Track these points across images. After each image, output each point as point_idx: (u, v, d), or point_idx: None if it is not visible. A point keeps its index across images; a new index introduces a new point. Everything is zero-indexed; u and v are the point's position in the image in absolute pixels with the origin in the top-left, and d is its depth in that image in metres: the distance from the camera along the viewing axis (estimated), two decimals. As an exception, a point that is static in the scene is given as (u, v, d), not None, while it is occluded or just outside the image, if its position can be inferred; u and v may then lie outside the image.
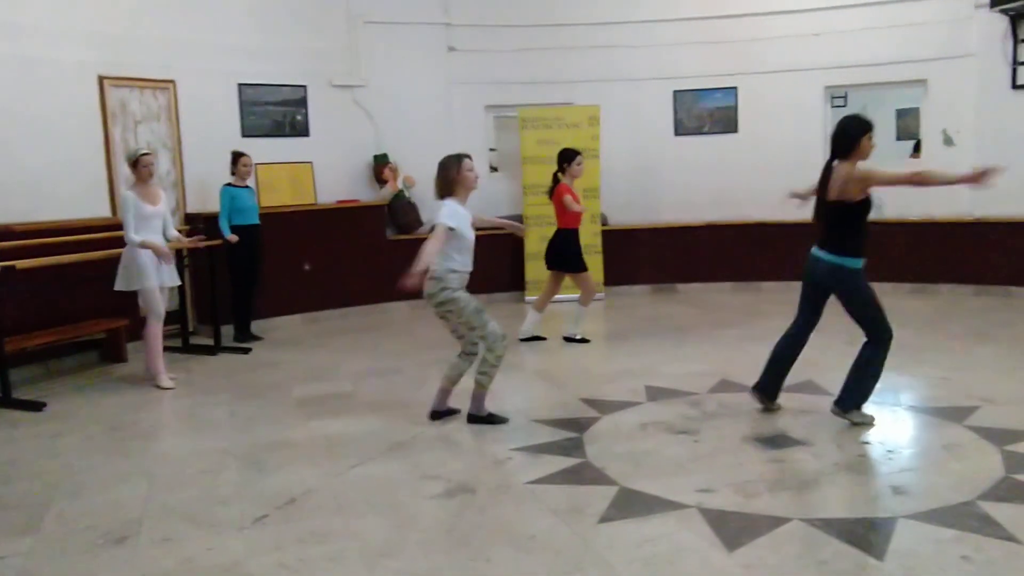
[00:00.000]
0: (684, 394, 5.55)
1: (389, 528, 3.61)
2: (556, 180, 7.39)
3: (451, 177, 4.96)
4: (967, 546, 3.24)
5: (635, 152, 10.29)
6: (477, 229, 5.14)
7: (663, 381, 5.88)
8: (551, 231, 9.70)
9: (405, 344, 7.69)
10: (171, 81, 8.09)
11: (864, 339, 4.93)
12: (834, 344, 6.91)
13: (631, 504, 3.76)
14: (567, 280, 7.54)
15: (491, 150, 10.87)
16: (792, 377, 5.79)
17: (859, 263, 4.73)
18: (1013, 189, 8.97)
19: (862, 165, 4.61)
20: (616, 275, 9.93)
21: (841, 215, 4.65)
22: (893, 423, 4.95)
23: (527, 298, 9.72)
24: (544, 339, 7.51)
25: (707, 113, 10.29)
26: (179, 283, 6.75)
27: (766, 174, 10.00)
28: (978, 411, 4.95)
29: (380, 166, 9.59)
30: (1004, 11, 8.65)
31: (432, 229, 4.80)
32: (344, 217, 9.20)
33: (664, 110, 10.37)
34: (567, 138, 9.51)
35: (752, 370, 6.04)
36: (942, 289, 9.18)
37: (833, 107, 11.74)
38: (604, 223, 9.96)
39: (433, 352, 7.24)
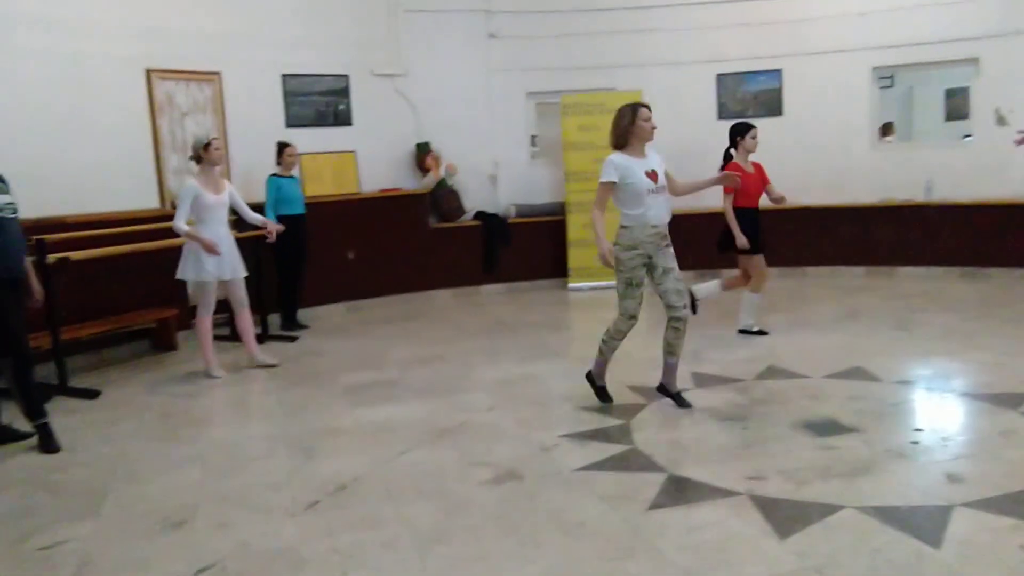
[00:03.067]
0: (732, 381, 5.50)
1: (439, 514, 3.64)
2: (728, 157, 6.88)
3: (624, 127, 4.88)
4: (1025, 535, 3.18)
5: (678, 137, 10.11)
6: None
7: (711, 368, 5.84)
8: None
9: (449, 332, 7.73)
10: (216, 73, 8.19)
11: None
12: (881, 330, 6.85)
13: (681, 491, 3.75)
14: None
15: (532, 137, 10.85)
16: (840, 363, 5.76)
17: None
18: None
19: None
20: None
21: None
22: (946, 409, 4.86)
23: (570, 285, 9.71)
24: (766, 334, 6.84)
25: (751, 96, 10.14)
26: (245, 274, 6.45)
27: (812, 158, 9.88)
28: (1033, 397, 4.84)
29: (423, 155, 9.62)
30: (1061, -14, 8.39)
31: None
32: (388, 206, 9.25)
33: (707, 94, 10.24)
34: (609, 124, 9.45)
35: (799, 356, 6.02)
36: (992, 273, 8.96)
37: (880, 88, 11.53)
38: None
39: (477, 340, 7.28)
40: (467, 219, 9.89)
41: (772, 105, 10.08)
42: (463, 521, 3.57)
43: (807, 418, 4.66)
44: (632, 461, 4.16)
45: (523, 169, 10.38)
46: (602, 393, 5.17)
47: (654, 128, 4.92)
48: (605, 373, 5.21)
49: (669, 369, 5.04)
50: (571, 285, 9.67)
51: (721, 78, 10.18)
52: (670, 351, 4.99)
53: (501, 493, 3.86)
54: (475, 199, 10.04)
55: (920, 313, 7.33)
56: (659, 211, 4.84)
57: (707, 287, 7.06)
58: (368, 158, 9.30)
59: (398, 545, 3.37)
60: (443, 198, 9.69)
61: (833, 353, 6.06)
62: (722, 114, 10.18)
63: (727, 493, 3.68)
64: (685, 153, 10.16)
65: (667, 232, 4.95)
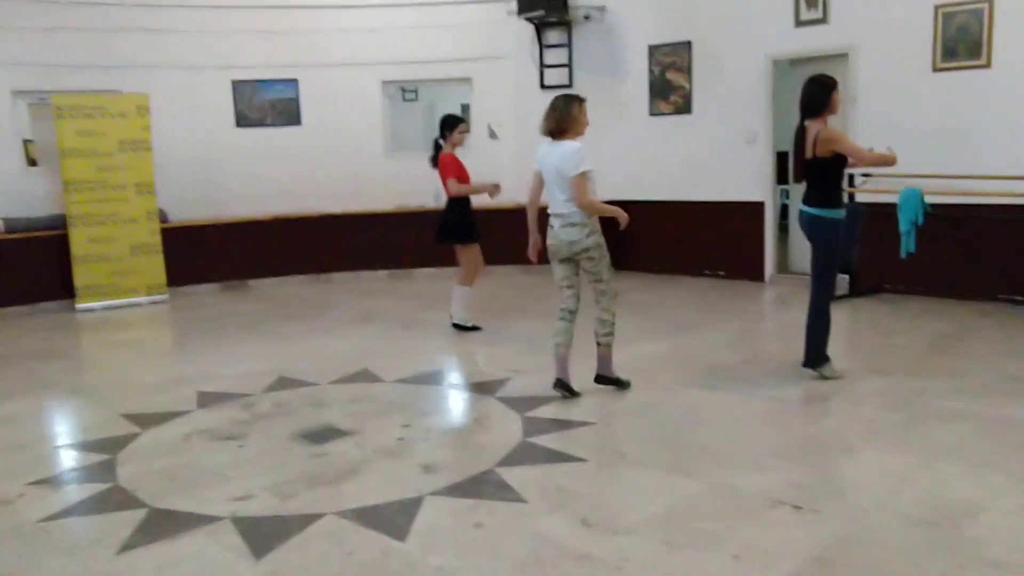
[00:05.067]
0: (238, 396, 5.36)
1: None
2: (438, 147, 6.80)
3: (573, 115, 4.79)
4: (481, 513, 3.51)
5: (194, 144, 9.77)
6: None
7: (218, 385, 5.63)
8: (101, 231, 8.94)
9: None
10: None
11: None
12: (392, 331, 7.17)
13: (159, 526, 3.51)
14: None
15: (27, 141, 9.59)
16: (349, 367, 5.94)
17: (840, 213, 5.05)
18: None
19: (832, 125, 4.98)
20: (181, 275, 9.33)
21: (821, 170, 4.97)
22: (434, 403, 5.25)
23: (79, 306, 8.75)
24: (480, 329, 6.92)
25: (269, 104, 10.09)
26: None
27: (332, 166, 10.15)
28: (508, 382, 5.45)
29: None
30: (529, 19, 9.64)
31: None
32: None
33: (224, 100, 9.97)
34: (113, 128, 8.76)
35: (311, 363, 6.08)
36: (496, 270, 9.99)
37: (404, 100, 12.26)
38: (164, 220, 9.31)
39: None
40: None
41: (290, 114, 10.14)
42: None
43: (307, 427, 4.70)
44: (110, 500, 3.80)
45: (14, 179, 9.12)
46: (622, 382, 5.14)
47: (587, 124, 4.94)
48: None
49: (602, 358, 5.12)
50: (80, 306, 8.73)
51: (237, 85, 9.97)
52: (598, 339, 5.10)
53: (-63, 565, 3.27)
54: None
55: (428, 312, 7.87)
56: None
57: (457, 304, 6.95)
58: None
59: None
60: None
61: (344, 357, 6.24)
62: (240, 122, 9.99)
63: (210, 520, 3.52)
64: (202, 161, 9.83)
65: None
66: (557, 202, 4.89)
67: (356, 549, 3.23)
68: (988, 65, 7.16)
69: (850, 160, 5.09)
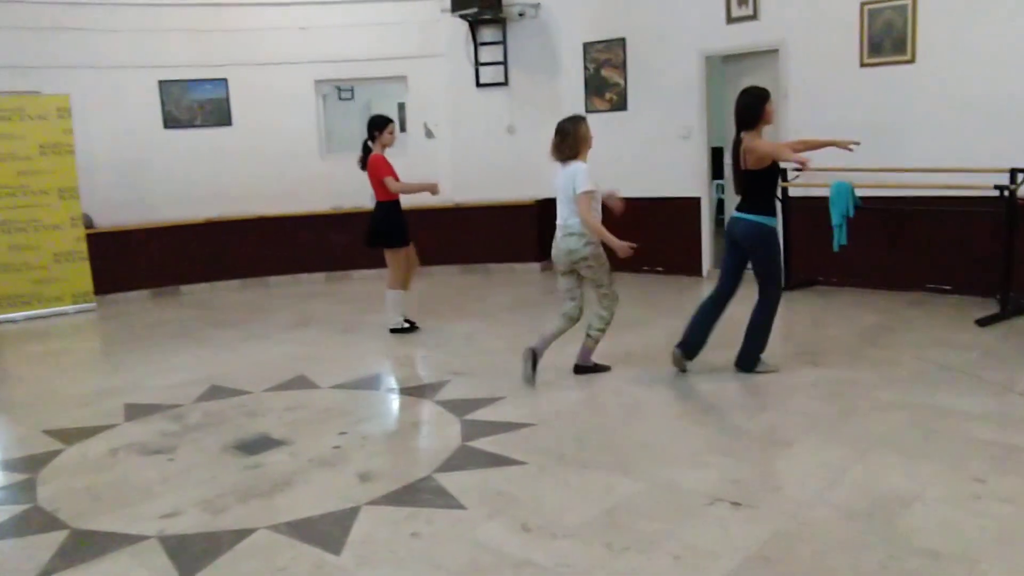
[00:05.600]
0: (168, 408, 5.18)
1: None
2: (367, 149, 6.67)
3: (584, 136, 5.15)
4: (419, 521, 3.44)
5: (120, 147, 9.48)
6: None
7: (147, 396, 5.45)
8: (22, 238, 8.68)
9: None
10: None
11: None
12: (330, 335, 7.04)
13: (81, 548, 3.35)
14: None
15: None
16: (284, 373, 5.81)
17: (774, 222, 5.13)
18: (472, 179, 10.10)
19: (763, 139, 5.06)
20: (109, 282, 9.02)
21: (755, 180, 5.03)
22: (372, 408, 5.15)
23: (-1, 316, 8.42)
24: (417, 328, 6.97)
25: (198, 105, 9.83)
26: None
27: (265, 167, 9.95)
28: (448, 385, 5.37)
29: None
30: (463, 16, 9.56)
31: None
32: None
33: (151, 101, 9.67)
34: (33, 131, 8.43)
35: (246, 371, 5.93)
36: (433, 271, 9.91)
37: (341, 99, 12.07)
38: (89, 225, 8.99)
39: None
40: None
41: (220, 114, 9.89)
42: None
43: (239, 438, 4.56)
44: (29, 522, 3.63)
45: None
46: (600, 367, 5.46)
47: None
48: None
49: (583, 350, 5.47)
50: (0, 316, 8.37)
51: (165, 85, 9.68)
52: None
53: None
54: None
55: (367, 315, 7.74)
56: None
57: (390, 309, 6.85)
58: None
59: None
60: None
61: (280, 364, 6.09)
62: (168, 123, 9.72)
63: (135, 540, 3.38)
64: (129, 164, 9.54)
65: None
66: (562, 216, 5.24)
67: (289, 564, 3.13)
68: (913, 60, 7.32)
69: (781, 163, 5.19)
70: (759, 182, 5.08)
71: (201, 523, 3.52)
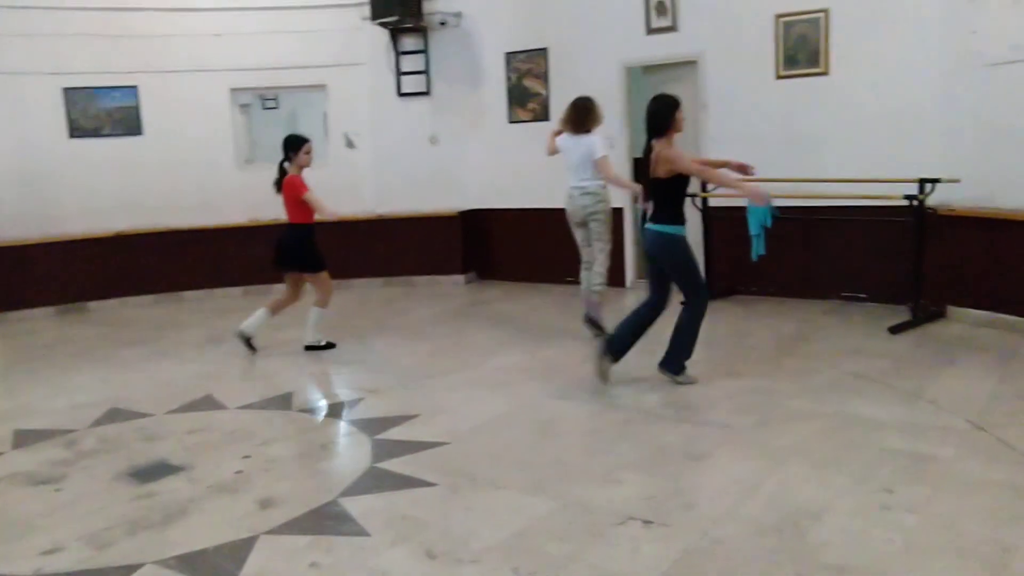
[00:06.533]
0: (61, 433, 4.89)
1: None
2: (283, 171, 6.43)
3: (598, 114, 6.37)
4: (319, 551, 3.27)
5: (21, 157, 9.02)
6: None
7: (39, 421, 5.14)
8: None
9: None
10: None
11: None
12: (240, 352, 6.76)
13: (-52, 591, 3.11)
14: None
15: None
16: (190, 394, 5.57)
17: (683, 231, 5.11)
18: (394, 189, 9.94)
19: (675, 147, 5.05)
20: (8, 299, 8.57)
21: (664, 189, 5.04)
22: (279, 430, 4.92)
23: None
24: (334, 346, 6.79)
25: (106, 113, 9.42)
26: None
27: (178, 178, 9.60)
28: (361, 403, 5.20)
29: None
30: (384, 24, 9.39)
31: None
32: None
33: (55, 109, 9.23)
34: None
35: (149, 392, 5.66)
36: (355, 283, 9.69)
37: (265, 108, 11.72)
38: (-13, 239, 8.56)
39: None
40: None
41: (130, 123, 9.48)
42: None
43: (135, 464, 4.32)
44: None
45: None
46: (603, 331, 6.04)
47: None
48: None
49: (591, 304, 6.44)
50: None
51: (70, 92, 9.26)
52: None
53: None
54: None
55: (282, 331, 7.40)
56: None
57: (254, 320, 6.58)
58: None
59: None
60: None
61: (186, 384, 5.83)
62: (74, 132, 9.29)
63: (9, 580, 3.15)
64: (31, 175, 9.11)
65: None
66: (579, 179, 6.33)
67: (176, 602, 2.94)
68: (826, 72, 7.42)
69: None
70: (668, 191, 5.06)
71: (83, 559, 3.29)
